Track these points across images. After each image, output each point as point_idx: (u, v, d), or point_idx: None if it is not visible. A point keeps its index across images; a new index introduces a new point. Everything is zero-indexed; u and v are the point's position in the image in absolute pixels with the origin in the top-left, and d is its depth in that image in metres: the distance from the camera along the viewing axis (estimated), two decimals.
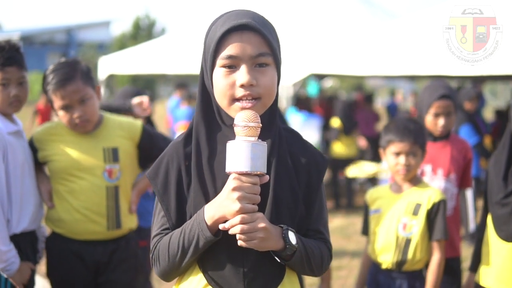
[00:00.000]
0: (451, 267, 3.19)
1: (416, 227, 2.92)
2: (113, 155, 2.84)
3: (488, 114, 13.16)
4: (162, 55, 8.41)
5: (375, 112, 10.66)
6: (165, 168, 1.75)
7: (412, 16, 5.72)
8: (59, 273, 2.87)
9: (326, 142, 9.25)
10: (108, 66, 8.82)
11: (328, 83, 22.23)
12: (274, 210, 1.67)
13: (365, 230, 3.15)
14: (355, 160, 9.88)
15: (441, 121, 3.37)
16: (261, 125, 1.60)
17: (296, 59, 6.94)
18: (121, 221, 2.86)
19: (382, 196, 3.08)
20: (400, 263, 2.93)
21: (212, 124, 1.73)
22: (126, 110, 3.29)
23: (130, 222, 2.94)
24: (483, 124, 7.74)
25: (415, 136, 2.97)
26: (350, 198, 8.87)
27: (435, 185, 3.23)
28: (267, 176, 1.63)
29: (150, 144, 2.91)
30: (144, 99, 3.43)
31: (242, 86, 1.62)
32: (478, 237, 2.87)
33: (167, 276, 1.76)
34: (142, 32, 30.46)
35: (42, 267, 3.07)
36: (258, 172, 1.59)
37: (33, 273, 2.78)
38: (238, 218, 1.58)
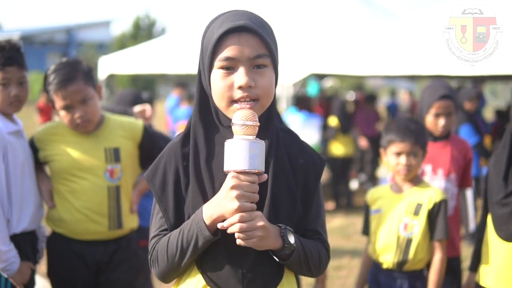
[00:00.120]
0: (451, 266, 3.20)
1: (417, 227, 2.92)
2: (115, 155, 2.84)
3: (489, 114, 13.16)
4: (162, 55, 8.40)
5: (376, 112, 10.65)
6: (163, 169, 1.75)
7: (412, 16, 5.72)
8: (60, 273, 2.87)
9: (325, 141, 9.26)
10: (108, 66, 8.82)
11: (328, 83, 22.22)
12: (272, 210, 1.67)
13: (366, 230, 3.15)
14: (354, 160, 9.90)
15: (441, 121, 3.38)
16: (258, 123, 1.60)
17: (296, 59, 6.94)
18: (122, 221, 2.86)
19: (383, 196, 3.08)
20: (401, 263, 2.94)
21: (209, 125, 1.73)
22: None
23: (131, 222, 2.94)
24: (483, 124, 7.74)
25: (416, 136, 2.97)
26: (349, 198, 8.87)
27: (435, 185, 3.23)
28: (266, 175, 1.63)
29: (151, 144, 2.91)
30: (147, 107, 3.45)
31: (240, 87, 1.62)
32: (478, 237, 2.87)
33: (165, 277, 1.75)
34: (142, 32, 30.45)
35: (42, 266, 3.08)
36: (256, 171, 1.59)
37: (33, 273, 2.78)
38: (237, 216, 1.58)
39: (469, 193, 6.12)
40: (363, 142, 10.08)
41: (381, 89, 26.11)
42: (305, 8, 8.86)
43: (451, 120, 3.41)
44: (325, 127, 9.19)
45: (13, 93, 2.68)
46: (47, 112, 10.29)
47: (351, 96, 13.52)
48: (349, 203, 8.74)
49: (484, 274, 2.77)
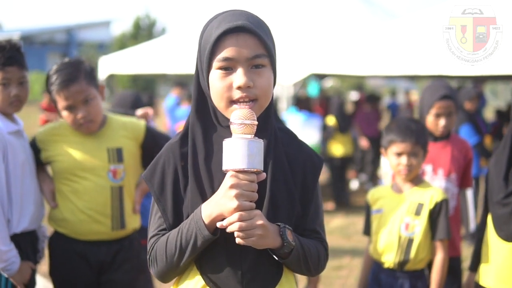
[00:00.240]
0: (451, 266, 3.20)
1: (419, 227, 2.92)
2: (118, 155, 2.84)
3: (489, 114, 13.16)
4: (163, 55, 8.40)
5: (377, 112, 10.64)
6: (162, 169, 1.75)
7: (412, 16, 5.72)
8: (62, 273, 2.86)
9: (325, 141, 9.27)
10: (108, 66, 8.82)
11: (329, 83, 22.23)
12: (271, 209, 1.67)
13: (367, 230, 3.15)
14: (354, 159, 9.89)
15: (442, 122, 3.38)
16: (257, 122, 1.60)
17: (296, 59, 6.94)
18: (125, 221, 2.86)
19: (384, 196, 3.08)
20: (402, 263, 2.94)
21: (208, 124, 1.73)
22: None
23: (134, 222, 2.94)
24: (483, 124, 7.73)
25: (417, 136, 2.97)
26: (346, 197, 8.86)
27: (435, 185, 3.23)
28: (264, 174, 1.63)
29: (153, 144, 2.91)
30: (149, 111, 3.47)
31: (239, 88, 1.62)
32: (478, 237, 2.87)
33: (164, 276, 1.75)
34: (142, 32, 30.43)
35: (42, 266, 3.08)
36: (255, 170, 1.59)
37: (33, 272, 2.78)
38: (236, 215, 1.58)
39: (469, 193, 6.12)
40: (364, 142, 10.08)
41: (381, 89, 26.09)
42: (305, 8, 8.86)
43: (451, 120, 3.41)
44: (324, 127, 9.20)
45: (13, 93, 2.68)
46: (51, 111, 10.21)
47: (354, 95, 13.52)
48: (347, 202, 8.74)
49: (484, 274, 2.77)
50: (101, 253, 2.83)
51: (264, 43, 1.64)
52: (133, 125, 2.96)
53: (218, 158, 1.65)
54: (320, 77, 10.67)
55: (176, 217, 1.72)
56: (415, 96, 16.45)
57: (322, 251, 1.79)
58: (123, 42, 27.30)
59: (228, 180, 1.59)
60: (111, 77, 9.27)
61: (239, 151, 1.57)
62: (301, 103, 8.25)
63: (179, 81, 10.56)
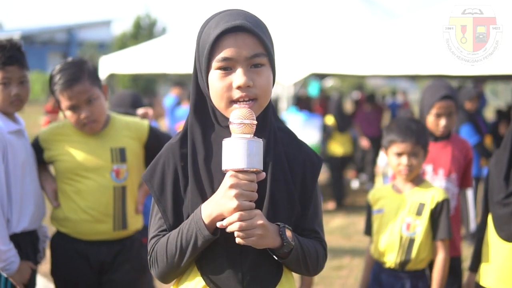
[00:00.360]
0: (452, 266, 3.19)
1: (420, 227, 2.92)
2: (121, 155, 2.83)
3: (489, 114, 13.16)
4: (163, 54, 8.41)
5: (377, 112, 10.63)
6: (161, 170, 1.74)
7: (412, 16, 5.73)
8: (63, 273, 2.86)
9: (324, 141, 9.28)
10: (108, 65, 8.82)
11: (329, 83, 22.23)
12: (271, 209, 1.67)
13: (368, 230, 3.15)
14: (352, 158, 9.88)
15: (442, 122, 3.38)
16: (256, 122, 1.60)
17: (296, 58, 6.94)
18: (127, 222, 2.86)
19: (385, 196, 3.08)
20: (403, 263, 2.94)
21: (207, 125, 1.73)
22: None
23: (136, 223, 2.93)
24: (483, 123, 7.73)
25: (417, 136, 2.97)
26: (342, 196, 8.86)
27: (436, 185, 3.23)
28: (264, 173, 1.63)
29: (157, 144, 2.90)
30: (149, 111, 3.47)
31: (239, 88, 1.62)
32: (478, 237, 2.87)
33: (165, 277, 1.75)
34: (143, 31, 30.40)
35: (42, 266, 3.08)
36: (255, 169, 1.58)
37: (34, 273, 2.78)
38: (236, 215, 1.58)
39: (469, 193, 6.13)
40: (364, 142, 10.08)
41: (381, 89, 26.10)
42: (305, 7, 8.86)
43: (452, 120, 3.41)
44: (324, 126, 9.22)
45: (13, 92, 2.67)
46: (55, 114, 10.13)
47: (355, 95, 13.52)
48: (342, 202, 8.72)
49: (485, 274, 2.77)
50: (102, 253, 2.83)
51: (263, 42, 1.64)
52: (136, 125, 2.95)
53: (218, 157, 1.65)
54: (321, 77, 10.68)
55: (177, 218, 1.71)
56: (412, 95, 16.48)
57: (321, 251, 1.79)
58: (124, 42, 27.28)
59: (227, 180, 1.59)
60: (111, 77, 9.27)
61: (238, 151, 1.57)
62: (302, 103, 8.26)
63: (178, 81, 10.56)
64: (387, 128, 3.13)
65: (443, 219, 2.92)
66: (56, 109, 4.54)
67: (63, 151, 2.80)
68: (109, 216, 2.80)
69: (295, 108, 7.93)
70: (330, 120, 8.90)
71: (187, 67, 7.45)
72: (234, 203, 1.57)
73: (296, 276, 1.83)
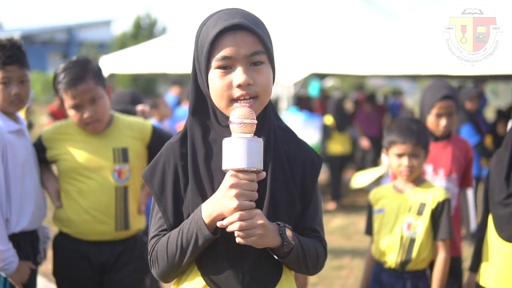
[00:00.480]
0: (452, 266, 3.19)
1: (421, 226, 2.92)
2: (123, 155, 2.82)
3: (490, 114, 13.15)
4: (163, 54, 8.42)
5: (377, 112, 10.62)
6: (162, 169, 1.74)
7: (412, 16, 5.73)
8: (65, 273, 2.86)
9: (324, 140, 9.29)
10: (109, 65, 8.83)
11: (329, 83, 22.24)
12: (271, 209, 1.67)
13: (369, 230, 3.15)
14: (352, 158, 9.87)
15: (443, 122, 3.38)
16: (256, 121, 1.60)
17: (296, 58, 6.95)
18: (129, 222, 2.85)
19: (386, 195, 3.08)
20: (404, 263, 2.94)
21: (206, 124, 1.72)
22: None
23: (138, 223, 2.92)
24: (484, 123, 7.73)
25: (418, 137, 2.97)
26: (341, 197, 8.86)
27: (436, 185, 3.23)
28: (264, 173, 1.63)
29: (160, 145, 2.89)
30: (146, 108, 3.48)
31: (239, 86, 1.62)
32: (478, 237, 2.87)
33: (166, 277, 1.75)
34: (143, 31, 30.38)
35: (42, 266, 3.07)
36: (255, 169, 1.58)
37: (34, 273, 2.78)
38: (236, 215, 1.58)
39: (470, 193, 6.12)
40: (365, 142, 10.08)
41: (382, 89, 26.11)
42: (306, 7, 8.87)
43: (452, 120, 3.41)
44: (324, 126, 9.23)
45: (14, 91, 2.67)
46: (58, 117, 10.07)
47: (353, 95, 13.53)
48: (340, 202, 8.71)
49: (485, 274, 2.76)
50: (104, 253, 2.82)
51: (262, 40, 1.64)
52: (139, 125, 2.95)
53: (218, 157, 1.65)
54: (321, 77, 10.68)
55: (177, 217, 1.71)
56: (411, 96, 16.48)
57: (321, 250, 1.79)
58: (124, 42, 27.27)
59: (228, 180, 1.59)
60: (111, 77, 9.28)
61: (238, 151, 1.57)
62: (302, 103, 8.26)
63: (178, 80, 10.57)
64: (387, 128, 3.13)
65: (444, 219, 2.92)
66: (61, 109, 4.54)
67: (65, 150, 2.80)
68: (111, 216, 2.79)
69: (295, 108, 7.93)
70: (329, 120, 8.90)
71: (187, 67, 7.45)
72: (235, 202, 1.57)
73: None
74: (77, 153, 2.79)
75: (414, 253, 2.92)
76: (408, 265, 2.94)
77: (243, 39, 1.62)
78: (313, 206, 1.78)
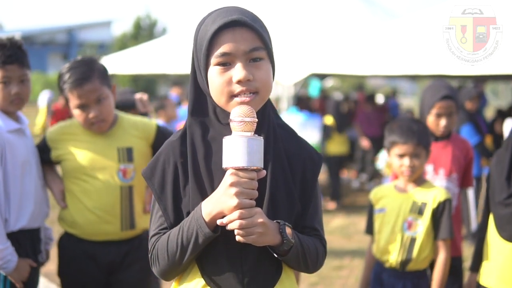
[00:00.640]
0: (452, 266, 3.19)
1: (421, 226, 2.92)
2: (128, 155, 2.82)
3: (490, 114, 13.15)
4: (163, 55, 8.42)
5: (378, 112, 10.62)
6: (162, 167, 1.74)
7: (412, 16, 5.74)
8: (70, 273, 2.86)
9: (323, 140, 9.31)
10: (109, 66, 8.81)
11: (329, 83, 22.24)
12: (271, 207, 1.67)
13: (369, 229, 3.15)
14: (350, 158, 9.87)
15: (443, 122, 3.38)
16: (257, 120, 1.60)
17: (296, 58, 6.95)
18: (135, 221, 2.84)
19: (387, 195, 3.08)
20: (404, 262, 2.94)
21: (206, 122, 1.72)
22: (131, 105, 3.33)
23: (143, 222, 2.91)
24: (484, 123, 7.73)
25: (419, 137, 2.97)
26: (340, 197, 8.85)
27: (437, 185, 3.23)
28: (264, 171, 1.63)
29: None
30: (144, 96, 3.50)
31: (239, 82, 1.62)
32: (479, 237, 2.87)
33: (166, 275, 1.75)
34: (143, 32, 30.43)
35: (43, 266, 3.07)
36: (255, 167, 1.58)
37: (36, 272, 2.77)
38: (236, 213, 1.58)
39: (470, 193, 6.13)
40: (365, 142, 10.08)
41: (382, 88, 26.12)
42: (306, 7, 8.87)
43: (452, 120, 3.41)
44: (323, 126, 9.24)
45: (14, 91, 2.66)
46: (61, 116, 10.03)
47: (352, 96, 13.53)
48: (340, 202, 8.71)
49: (486, 274, 2.76)
50: (110, 253, 2.82)
51: (261, 36, 1.64)
52: (144, 125, 2.94)
53: (218, 156, 1.65)
54: (321, 77, 10.68)
55: (177, 216, 1.71)
56: (410, 96, 16.48)
57: (321, 248, 1.79)
58: (124, 42, 27.32)
59: (228, 178, 1.59)
60: (111, 77, 9.28)
61: (239, 149, 1.57)
62: (302, 103, 8.26)
63: (178, 81, 10.57)
64: (388, 129, 3.13)
65: (445, 219, 2.92)
66: (65, 108, 4.52)
67: (70, 150, 2.80)
68: (116, 216, 2.79)
69: (296, 108, 7.94)
70: (329, 120, 8.91)
71: (187, 68, 7.45)
72: (235, 201, 1.58)
73: None
74: (82, 153, 2.79)
75: (414, 253, 2.92)
76: (409, 264, 2.94)
77: (242, 35, 1.62)
78: (313, 205, 1.78)
